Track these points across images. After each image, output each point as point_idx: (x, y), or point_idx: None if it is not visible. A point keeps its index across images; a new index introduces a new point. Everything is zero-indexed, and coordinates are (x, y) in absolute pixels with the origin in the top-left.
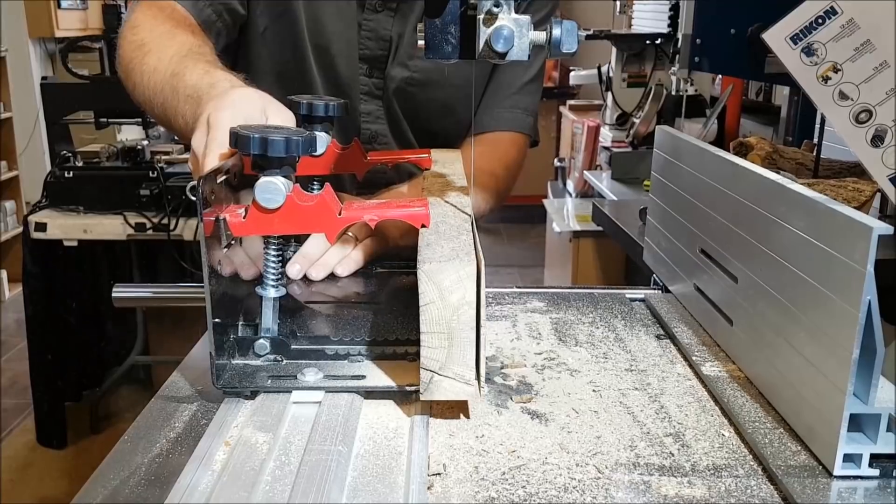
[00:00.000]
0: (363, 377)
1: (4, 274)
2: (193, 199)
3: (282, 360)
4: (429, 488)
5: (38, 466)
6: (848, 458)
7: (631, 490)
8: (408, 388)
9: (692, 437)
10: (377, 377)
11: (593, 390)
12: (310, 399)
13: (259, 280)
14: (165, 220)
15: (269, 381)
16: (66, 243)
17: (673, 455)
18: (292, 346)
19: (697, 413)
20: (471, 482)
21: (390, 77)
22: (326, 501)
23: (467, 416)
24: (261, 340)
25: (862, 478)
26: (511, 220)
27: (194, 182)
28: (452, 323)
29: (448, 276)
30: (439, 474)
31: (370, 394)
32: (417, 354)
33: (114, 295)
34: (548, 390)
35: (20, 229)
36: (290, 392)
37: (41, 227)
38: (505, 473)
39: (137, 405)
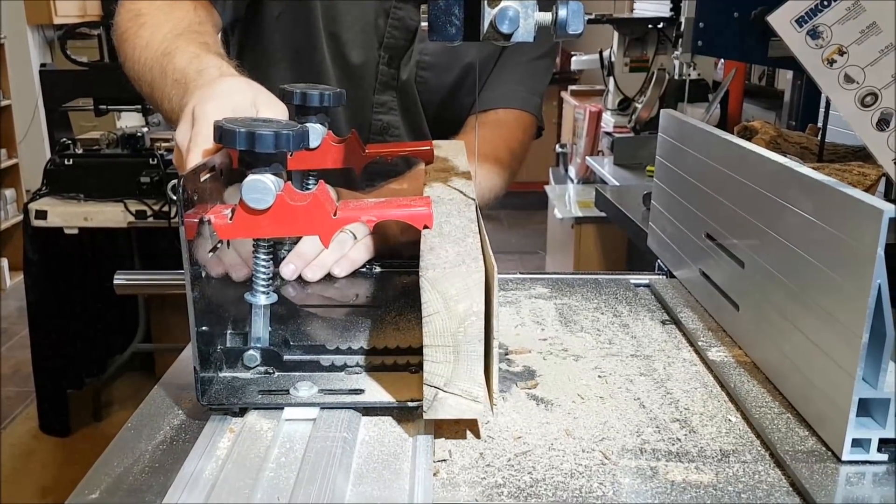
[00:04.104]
0: (361, 391)
1: (5, 262)
2: (175, 198)
3: (273, 373)
4: (434, 474)
5: (40, 454)
6: (856, 443)
7: (638, 476)
8: (410, 405)
9: (699, 423)
10: (376, 392)
11: (599, 376)
12: (303, 416)
13: (248, 285)
14: (166, 208)
15: (260, 396)
16: (66, 231)
17: (680, 441)
18: (285, 357)
19: (704, 398)
20: (477, 468)
21: (403, 64)
22: (332, 488)
23: (477, 436)
24: (250, 351)
25: (870, 463)
26: (512, 206)
27: (175, 181)
28: (458, 335)
29: (453, 284)
30: (445, 460)
31: (369, 410)
32: (420, 365)
33: (115, 282)
34: (553, 376)
35: (20, 217)
36: (282, 408)
37: (41, 214)
38: (511, 459)
39: (140, 392)
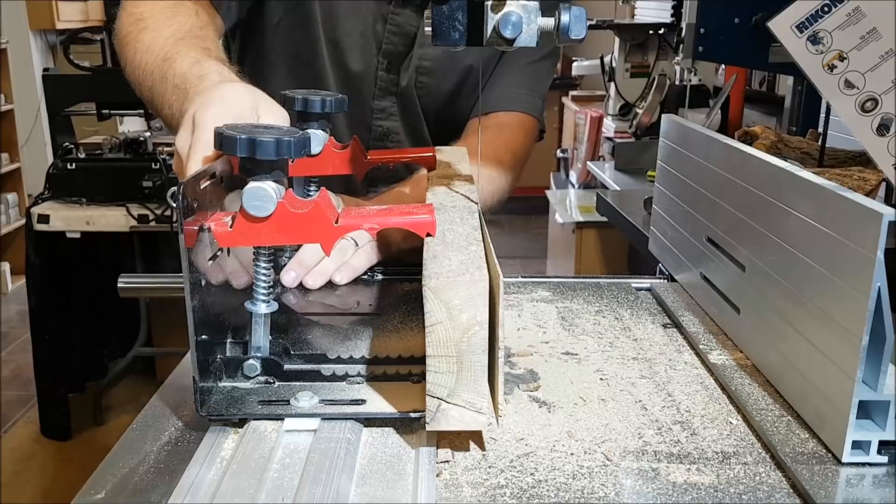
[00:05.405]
0: (363, 402)
1: (7, 266)
2: (174, 205)
3: (273, 383)
4: (437, 475)
5: (41, 457)
6: (856, 444)
7: (639, 477)
8: (412, 415)
9: (700, 425)
10: (378, 402)
11: (600, 379)
12: (304, 427)
13: (249, 293)
14: (168, 212)
15: (260, 406)
16: (68, 235)
17: (681, 443)
18: (285, 367)
19: (705, 401)
20: (479, 469)
21: (402, 69)
22: (336, 488)
23: (481, 448)
24: (250, 361)
25: (870, 465)
26: (513, 211)
27: (175, 188)
28: (462, 345)
29: (457, 293)
30: (448, 461)
31: (371, 421)
32: (423, 375)
33: (119, 285)
34: (555, 379)
35: (23, 221)
36: (282, 419)
37: (44, 218)
38: (513, 461)
39: (141, 396)
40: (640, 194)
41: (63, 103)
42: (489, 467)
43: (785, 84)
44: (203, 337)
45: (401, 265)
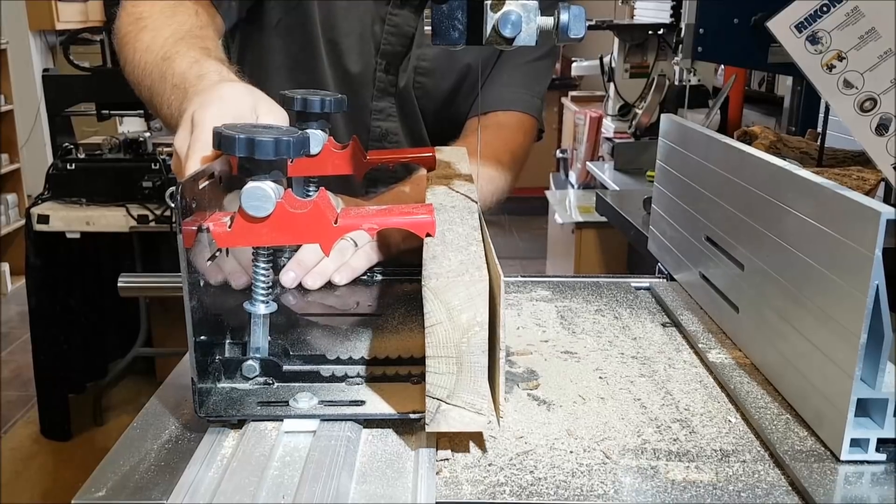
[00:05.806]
0: (362, 403)
1: (7, 266)
2: (172, 205)
3: (273, 384)
4: (437, 473)
5: (41, 458)
6: (855, 442)
7: (639, 475)
8: (412, 416)
9: (699, 423)
10: (378, 403)
11: (600, 377)
12: (303, 428)
13: (248, 293)
14: (168, 213)
15: (259, 408)
16: (68, 235)
17: (680, 441)
18: (284, 368)
19: (704, 399)
20: (479, 467)
21: (401, 70)
22: (336, 486)
23: (482, 449)
24: (249, 362)
25: (869, 462)
26: (513, 211)
27: (173, 188)
28: (462, 346)
29: (457, 293)
30: (447, 459)
31: (370, 422)
32: (422, 376)
33: (119, 284)
34: (554, 377)
35: (22, 222)
36: (282, 420)
37: (43, 219)
38: (513, 459)
39: (141, 396)
40: (640, 194)
41: (63, 104)
42: (489, 465)
43: (784, 84)
44: (202, 337)
45: (400, 265)
